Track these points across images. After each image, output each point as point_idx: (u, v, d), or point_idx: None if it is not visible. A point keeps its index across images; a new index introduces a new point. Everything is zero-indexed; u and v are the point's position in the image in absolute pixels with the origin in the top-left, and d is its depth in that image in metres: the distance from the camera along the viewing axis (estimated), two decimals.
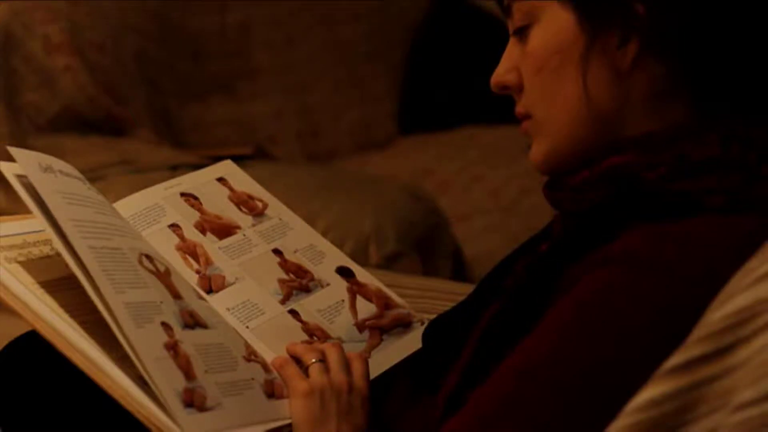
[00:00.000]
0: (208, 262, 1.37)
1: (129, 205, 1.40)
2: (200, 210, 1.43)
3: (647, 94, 1.14)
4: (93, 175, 2.60)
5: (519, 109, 1.21)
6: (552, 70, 1.16)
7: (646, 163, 1.13)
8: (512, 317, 1.15)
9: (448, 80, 3.45)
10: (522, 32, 1.19)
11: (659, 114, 1.14)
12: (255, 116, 3.26)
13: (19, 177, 1.19)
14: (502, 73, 1.21)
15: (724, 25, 1.12)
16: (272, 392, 1.23)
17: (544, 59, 1.16)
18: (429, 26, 3.50)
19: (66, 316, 1.16)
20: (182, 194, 1.44)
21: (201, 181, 1.48)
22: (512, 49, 1.21)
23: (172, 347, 1.16)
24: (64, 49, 2.88)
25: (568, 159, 1.17)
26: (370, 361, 1.30)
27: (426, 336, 1.33)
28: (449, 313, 1.33)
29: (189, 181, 1.47)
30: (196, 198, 1.45)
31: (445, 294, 1.79)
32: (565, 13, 1.15)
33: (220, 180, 1.49)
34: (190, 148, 3.05)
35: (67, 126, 2.87)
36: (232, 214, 1.45)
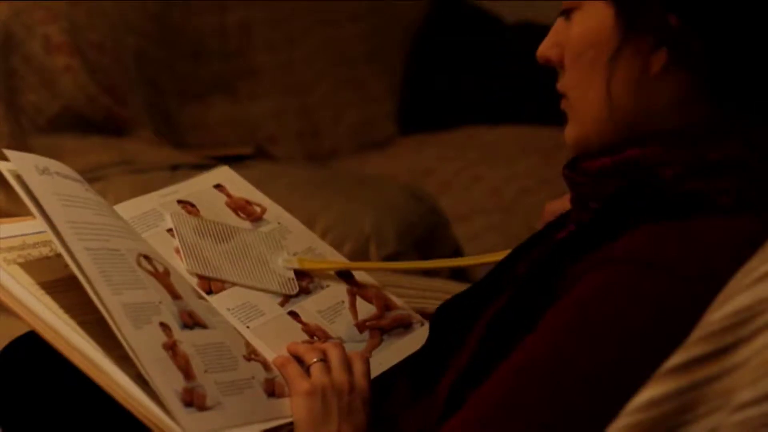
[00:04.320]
0: None
1: (126, 210, 1.39)
2: (197, 217, 1.43)
3: (675, 98, 1.15)
4: (93, 175, 2.60)
5: (558, 86, 1.21)
6: (587, 61, 1.17)
7: (664, 159, 1.13)
8: (513, 316, 1.15)
9: (448, 80, 3.45)
10: (568, 13, 1.19)
11: (683, 114, 1.15)
12: (255, 116, 3.26)
13: (19, 177, 1.19)
14: (546, 47, 1.22)
15: (757, 45, 1.13)
16: (272, 391, 1.23)
17: (581, 50, 1.17)
18: (429, 26, 3.50)
19: (65, 316, 1.16)
20: (179, 201, 1.44)
21: (198, 188, 1.48)
22: (559, 26, 1.21)
23: (171, 347, 1.16)
24: (64, 49, 2.88)
25: (595, 146, 1.18)
26: (370, 361, 1.30)
27: (434, 324, 1.32)
28: (460, 298, 1.32)
29: (186, 189, 1.47)
30: (193, 205, 1.44)
31: (445, 294, 1.78)
32: (605, 8, 1.16)
33: (217, 187, 1.49)
34: (190, 148, 3.05)
35: (67, 126, 2.87)
36: (230, 220, 1.45)
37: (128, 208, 1.40)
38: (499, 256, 1.35)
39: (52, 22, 2.89)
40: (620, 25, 1.15)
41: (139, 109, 3.00)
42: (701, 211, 1.11)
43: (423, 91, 3.47)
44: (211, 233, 1.41)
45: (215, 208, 1.46)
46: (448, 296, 1.43)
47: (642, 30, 1.14)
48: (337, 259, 1.47)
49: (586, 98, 1.18)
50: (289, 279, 1.39)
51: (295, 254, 1.44)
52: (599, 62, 1.16)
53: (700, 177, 1.12)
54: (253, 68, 3.29)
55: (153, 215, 1.41)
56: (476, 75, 3.42)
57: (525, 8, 3.33)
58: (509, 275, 1.26)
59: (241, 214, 1.46)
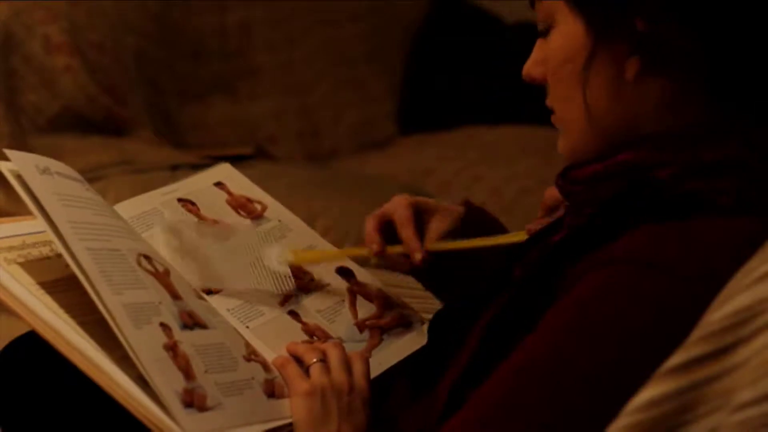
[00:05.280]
0: None
1: (126, 209, 1.39)
2: (198, 215, 1.43)
3: (659, 101, 1.15)
4: (93, 175, 2.60)
5: (547, 102, 1.22)
6: (565, 76, 1.17)
7: (658, 161, 1.13)
8: (514, 316, 1.15)
9: (448, 80, 3.45)
10: (546, 32, 1.20)
11: (674, 117, 1.15)
12: (255, 116, 3.26)
13: (19, 177, 1.19)
14: (530, 66, 1.22)
15: (726, 34, 1.13)
16: (272, 392, 1.23)
17: (559, 64, 1.17)
18: (429, 26, 3.50)
19: (66, 316, 1.16)
20: (179, 200, 1.44)
21: (198, 186, 1.48)
22: (540, 44, 1.22)
23: (171, 348, 1.16)
24: (64, 49, 2.88)
25: (586, 155, 1.18)
26: (370, 360, 1.30)
27: (432, 327, 1.32)
28: (456, 305, 1.32)
29: (186, 187, 1.47)
30: (193, 204, 1.44)
31: None
32: (576, 22, 1.16)
33: (218, 184, 1.49)
34: (190, 148, 3.05)
35: (67, 126, 2.87)
36: (231, 218, 1.45)
37: (128, 207, 1.40)
38: (515, 237, 1.35)
39: (52, 22, 2.89)
40: (590, 35, 1.15)
41: (139, 109, 3.00)
42: (701, 212, 1.10)
43: (423, 91, 3.47)
44: (208, 235, 1.41)
45: (216, 206, 1.45)
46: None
47: (612, 38, 1.14)
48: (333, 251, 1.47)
49: (569, 110, 1.18)
50: (285, 277, 1.39)
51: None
52: (575, 74, 1.16)
53: (699, 177, 1.12)
54: (253, 68, 3.29)
55: (153, 214, 1.41)
56: (476, 75, 3.42)
57: (525, 8, 3.31)
58: (507, 277, 1.26)
59: (242, 212, 1.46)
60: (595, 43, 1.14)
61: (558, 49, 1.18)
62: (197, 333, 1.21)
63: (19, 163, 1.19)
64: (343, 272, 1.45)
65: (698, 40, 1.12)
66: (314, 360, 1.25)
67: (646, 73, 1.14)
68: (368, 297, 1.42)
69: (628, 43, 1.13)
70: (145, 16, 3.10)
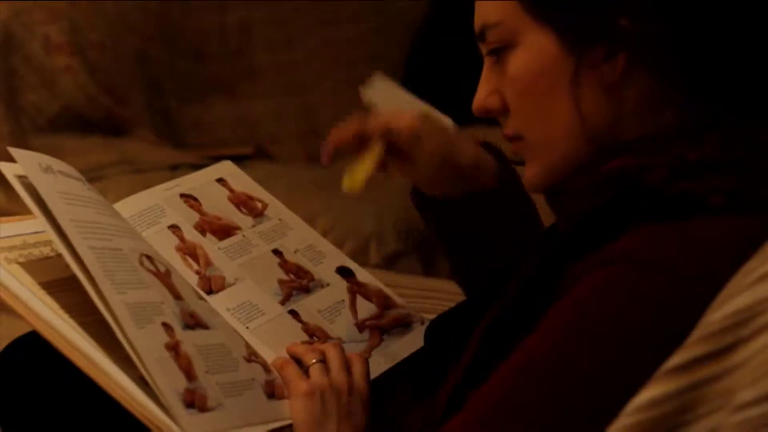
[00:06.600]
0: (208, 263, 1.37)
1: (128, 206, 1.40)
2: (200, 211, 1.44)
3: (641, 101, 1.14)
4: (93, 175, 2.60)
5: (507, 131, 1.21)
6: (540, 92, 1.16)
7: (645, 166, 1.13)
8: (514, 317, 1.15)
9: (448, 80, 3.44)
10: (498, 54, 1.19)
11: (655, 118, 1.14)
12: (255, 116, 3.26)
13: (20, 177, 1.19)
14: (483, 98, 1.21)
15: (712, 29, 1.12)
16: (273, 393, 1.23)
17: (529, 82, 1.16)
18: (429, 26, 3.50)
19: (66, 316, 1.16)
20: (182, 195, 1.44)
21: (201, 182, 1.48)
22: (489, 73, 1.21)
23: (173, 348, 1.16)
24: (64, 49, 2.89)
25: (564, 175, 1.17)
26: (370, 361, 1.30)
27: (428, 334, 1.33)
28: (453, 310, 1.33)
29: (189, 182, 1.47)
30: (195, 199, 1.45)
31: (445, 294, 1.79)
32: (545, 37, 1.15)
33: (220, 181, 1.49)
34: (190, 148, 3.06)
35: (67, 126, 2.87)
36: (232, 215, 1.45)
37: (131, 204, 1.40)
38: None
39: (52, 22, 2.89)
40: (567, 46, 1.14)
41: (139, 109, 3.00)
42: (700, 212, 1.10)
43: (423, 91, 3.46)
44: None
45: (217, 203, 1.46)
46: (448, 296, 1.43)
47: (593, 43, 1.13)
48: (338, 256, 1.47)
49: (551, 127, 1.16)
50: None
51: (296, 252, 1.44)
52: (557, 89, 1.14)
53: (687, 178, 1.11)
54: (253, 68, 3.29)
55: (155, 211, 1.41)
56: (476, 75, 3.42)
57: None
58: (506, 280, 1.26)
59: (243, 209, 1.47)
60: (578, 52, 1.13)
61: (525, 67, 1.16)
62: (199, 333, 1.21)
63: (23, 162, 1.20)
64: (344, 272, 1.45)
65: (680, 36, 1.12)
66: (314, 361, 1.25)
67: (631, 70, 1.13)
68: (368, 297, 1.43)
69: (609, 43, 1.12)
70: (145, 16, 3.11)
